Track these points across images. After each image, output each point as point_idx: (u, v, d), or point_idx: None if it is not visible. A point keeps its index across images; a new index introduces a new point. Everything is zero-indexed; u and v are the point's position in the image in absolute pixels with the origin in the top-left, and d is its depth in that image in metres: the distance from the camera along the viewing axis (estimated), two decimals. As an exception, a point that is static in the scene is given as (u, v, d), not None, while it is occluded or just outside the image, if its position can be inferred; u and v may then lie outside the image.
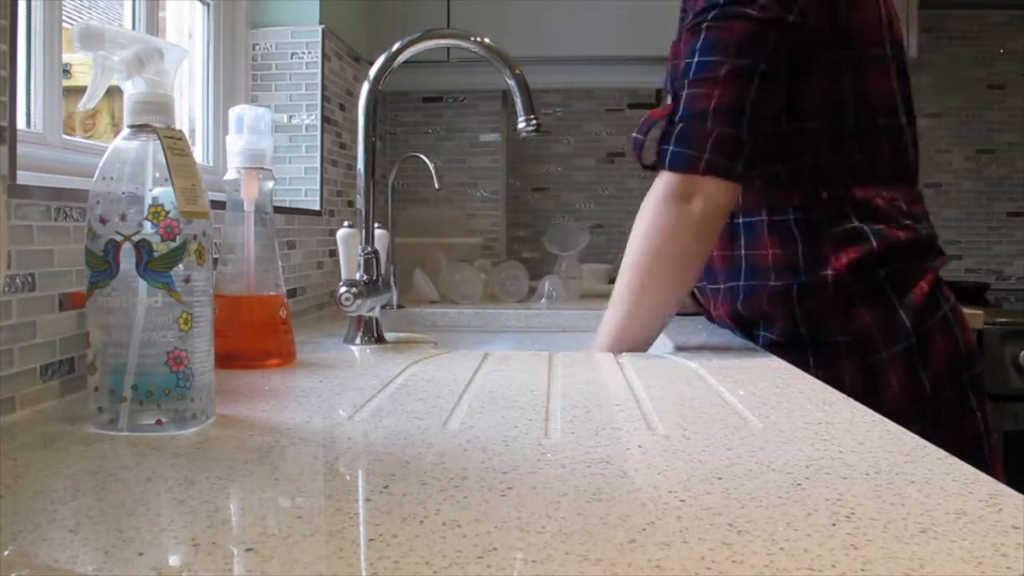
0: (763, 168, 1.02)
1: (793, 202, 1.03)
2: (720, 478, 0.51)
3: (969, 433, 1.03)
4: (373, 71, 1.13)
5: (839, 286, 1.00)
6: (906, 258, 1.03)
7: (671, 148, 0.98)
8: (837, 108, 1.02)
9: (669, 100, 1.02)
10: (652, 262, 0.99)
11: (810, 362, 1.01)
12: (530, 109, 1.11)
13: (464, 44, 1.14)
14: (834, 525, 0.43)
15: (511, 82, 1.12)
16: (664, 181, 0.99)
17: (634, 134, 1.06)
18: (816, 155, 1.03)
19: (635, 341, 1.02)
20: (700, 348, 1.06)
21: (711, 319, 1.23)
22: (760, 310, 1.06)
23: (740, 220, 1.07)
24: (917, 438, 0.61)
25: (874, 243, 1.00)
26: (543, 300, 1.78)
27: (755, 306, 1.07)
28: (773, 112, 0.99)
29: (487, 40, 1.12)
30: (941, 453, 0.57)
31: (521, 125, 1.11)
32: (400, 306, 1.63)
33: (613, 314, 1.03)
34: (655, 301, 1.01)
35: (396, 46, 1.12)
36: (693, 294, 1.24)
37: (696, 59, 0.98)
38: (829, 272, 1.00)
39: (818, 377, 0.96)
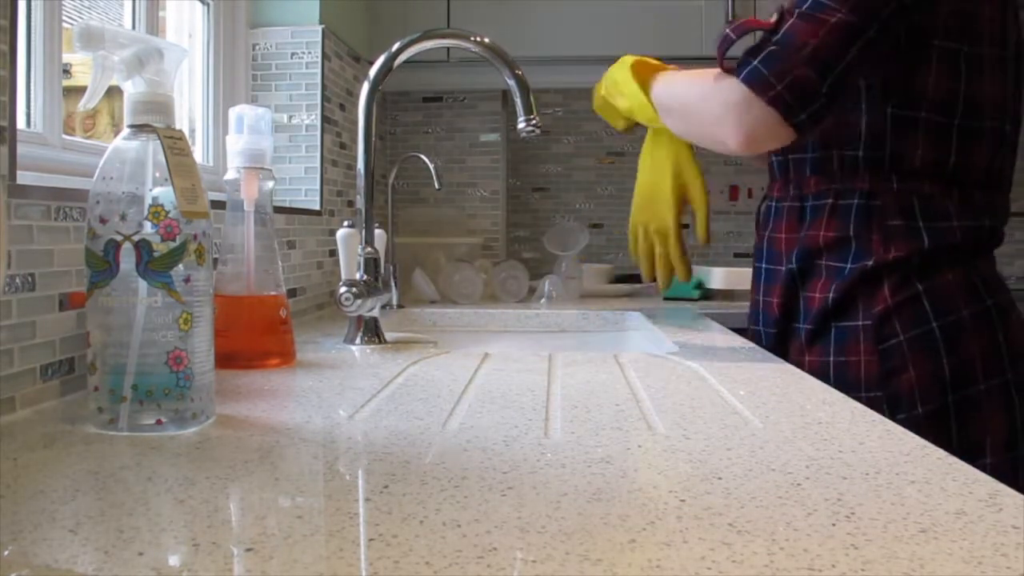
0: (842, 151, 1.02)
1: (860, 187, 1.01)
2: (720, 478, 0.51)
3: (1003, 433, 0.99)
4: (373, 71, 1.13)
5: (874, 272, 0.99)
6: (951, 256, 1.00)
7: (754, 63, 0.95)
8: (947, 103, 0.99)
9: (774, 17, 0.98)
10: (689, 134, 1.13)
11: (831, 348, 1.00)
12: (530, 109, 1.11)
13: (464, 44, 1.14)
14: (834, 525, 0.43)
15: (511, 82, 1.12)
16: (734, 90, 0.97)
17: (727, 30, 1.03)
18: (909, 146, 1.00)
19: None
20: (701, 348, 1.06)
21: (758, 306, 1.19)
22: (809, 292, 1.04)
23: (809, 204, 1.06)
24: (917, 438, 0.61)
25: (926, 241, 0.99)
26: (543, 300, 1.78)
27: (807, 288, 1.05)
28: (856, 84, 0.98)
29: (487, 40, 1.12)
30: (941, 453, 0.57)
31: (521, 125, 1.11)
32: (400, 306, 1.63)
33: (660, 109, 1.12)
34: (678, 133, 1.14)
35: (396, 46, 1.12)
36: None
37: None
38: (870, 263, 0.99)
39: (835, 363, 0.98)
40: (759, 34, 0.98)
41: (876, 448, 0.58)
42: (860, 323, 0.99)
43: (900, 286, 0.98)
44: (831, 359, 1.00)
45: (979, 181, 1.02)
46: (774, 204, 1.12)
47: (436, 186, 1.79)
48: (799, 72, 0.93)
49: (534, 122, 1.10)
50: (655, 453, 0.57)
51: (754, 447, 0.58)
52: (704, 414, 0.69)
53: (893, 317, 0.98)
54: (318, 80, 1.56)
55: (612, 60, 1.26)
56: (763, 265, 1.13)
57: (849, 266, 1.01)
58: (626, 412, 0.70)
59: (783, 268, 1.08)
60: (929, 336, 0.97)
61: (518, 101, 1.11)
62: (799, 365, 0.99)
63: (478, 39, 1.12)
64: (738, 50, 1.00)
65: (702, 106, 1.03)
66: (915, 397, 0.96)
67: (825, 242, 1.03)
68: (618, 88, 1.17)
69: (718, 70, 1.00)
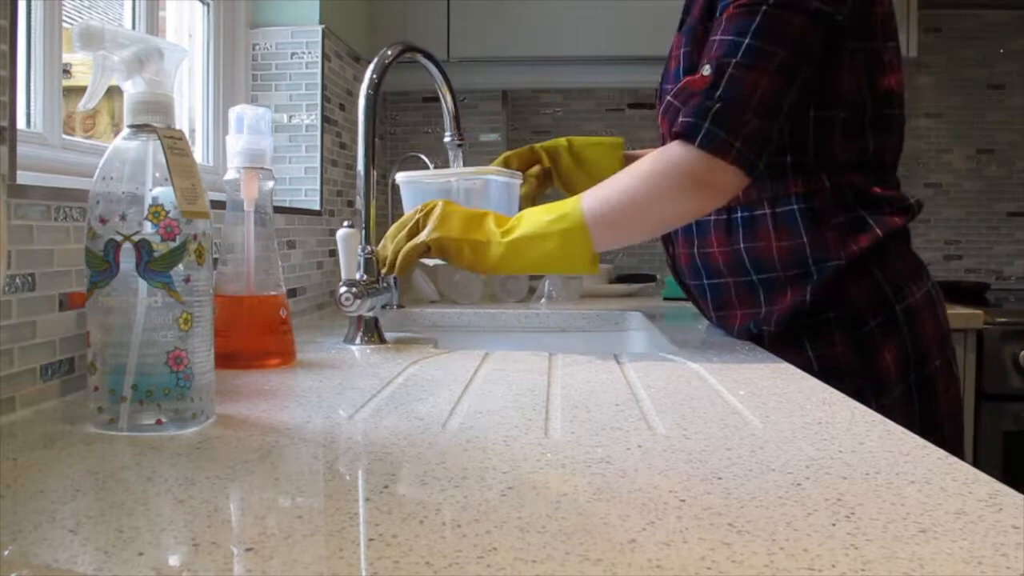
0: (769, 159, 1.00)
1: (795, 191, 1.04)
2: (720, 478, 0.51)
3: (955, 404, 1.09)
4: (368, 74, 1.13)
5: (848, 269, 1.03)
6: (891, 240, 1.06)
7: (706, 125, 0.94)
8: (859, 99, 1.04)
9: (707, 71, 0.97)
10: (648, 227, 1.02)
11: (806, 344, 1.05)
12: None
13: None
14: (834, 525, 0.43)
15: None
16: (690, 157, 0.95)
17: (671, 98, 1.02)
18: (831, 144, 1.04)
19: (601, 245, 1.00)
20: (701, 348, 1.06)
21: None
22: (775, 306, 1.08)
23: (739, 214, 1.09)
24: (917, 438, 0.61)
25: (878, 231, 1.03)
26: (543, 300, 1.78)
27: (772, 302, 1.08)
28: (800, 112, 1.01)
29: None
30: (941, 453, 0.57)
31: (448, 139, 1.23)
32: (400, 306, 1.63)
33: (600, 223, 0.98)
34: (628, 240, 1.05)
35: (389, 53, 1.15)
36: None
37: (748, 40, 0.94)
38: (843, 260, 1.02)
39: (815, 358, 1.04)
40: (700, 94, 0.96)
41: (876, 448, 0.58)
42: (831, 315, 1.04)
43: (860, 276, 1.04)
44: (811, 354, 1.04)
45: (893, 164, 1.10)
46: (694, 222, 1.12)
47: (436, 186, 1.79)
48: (752, 125, 0.94)
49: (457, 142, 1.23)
50: (655, 453, 0.57)
51: (754, 447, 0.58)
52: (704, 414, 0.69)
53: (862, 306, 1.03)
54: (318, 80, 1.57)
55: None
56: (705, 282, 1.15)
57: (816, 267, 1.04)
58: (626, 412, 0.70)
59: (731, 280, 1.12)
60: (894, 321, 1.03)
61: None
62: None
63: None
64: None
65: (657, 191, 0.97)
66: (892, 380, 1.02)
67: (779, 252, 1.06)
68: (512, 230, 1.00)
69: (651, 152, 0.99)
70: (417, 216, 1.04)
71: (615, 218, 0.98)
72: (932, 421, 1.04)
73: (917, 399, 1.03)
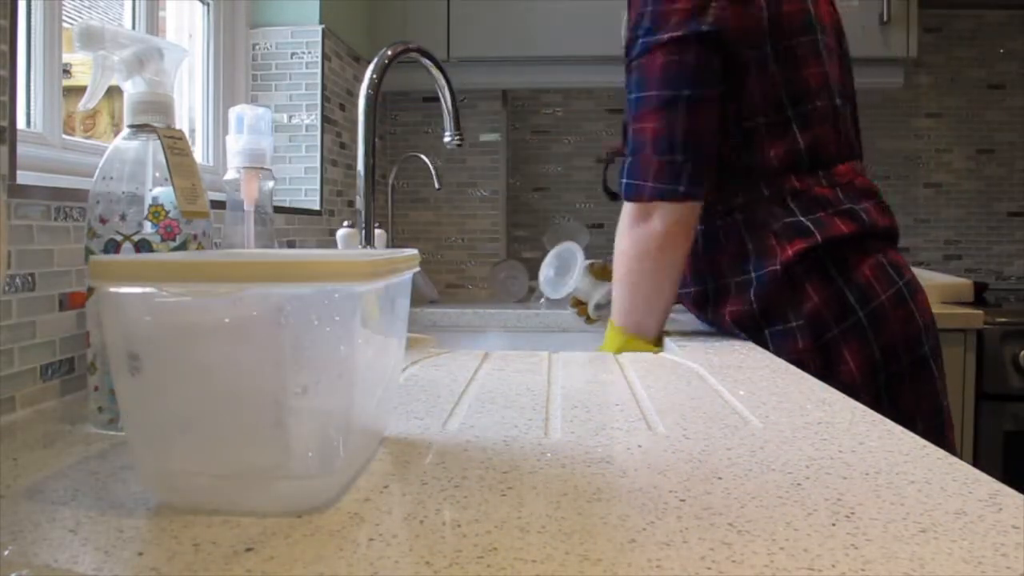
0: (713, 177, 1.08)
1: (737, 202, 1.10)
2: (720, 478, 0.51)
3: (930, 400, 1.08)
4: (368, 74, 1.13)
5: (788, 274, 1.06)
6: (848, 244, 1.07)
7: (624, 180, 1.08)
8: (776, 100, 1.09)
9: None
10: (634, 278, 1.10)
11: (769, 350, 1.07)
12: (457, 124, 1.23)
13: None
14: (834, 525, 0.43)
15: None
16: (626, 209, 1.09)
17: (620, 179, 1.14)
18: (762, 151, 1.09)
19: (639, 328, 1.11)
20: (701, 348, 1.06)
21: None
22: (722, 309, 1.14)
23: (699, 228, 1.14)
24: (917, 438, 0.61)
25: (817, 236, 1.06)
26: (543, 300, 1.78)
27: (720, 305, 1.14)
28: (708, 129, 1.06)
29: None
30: (941, 453, 0.57)
31: (447, 138, 1.23)
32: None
33: (617, 311, 1.13)
34: (647, 307, 1.11)
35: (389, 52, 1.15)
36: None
37: (633, 95, 1.07)
38: (778, 266, 1.07)
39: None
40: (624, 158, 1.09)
41: (876, 448, 0.58)
42: (793, 324, 1.07)
43: (822, 282, 1.06)
44: None
45: (835, 156, 1.11)
46: None
47: (436, 186, 1.79)
48: (653, 161, 1.05)
49: (458, 139, 1.24)
50: (655, 453, 0.57)
51: (754, 447, 0.58)
52: (704, 414, 0.69)
53: (824, 313, 1.05)
54: (318, 80, 1.57)
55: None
56: (680, 291, 1.18)
57: (756, 273, 1.09)
58: (626, 412, 0.70)
59: (693, 289, 1.18)
60: (858, 326, 1.05)
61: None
62: None
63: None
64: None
65: (631, 252, 1.09)
66: (857, 384, 1.03)
67: (728, 259, 1.12)
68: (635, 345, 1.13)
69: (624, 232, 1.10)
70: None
71: (629, 302, 1.11)
72: (903, 419, 1.03)
73: (887, 400, 1.04)
